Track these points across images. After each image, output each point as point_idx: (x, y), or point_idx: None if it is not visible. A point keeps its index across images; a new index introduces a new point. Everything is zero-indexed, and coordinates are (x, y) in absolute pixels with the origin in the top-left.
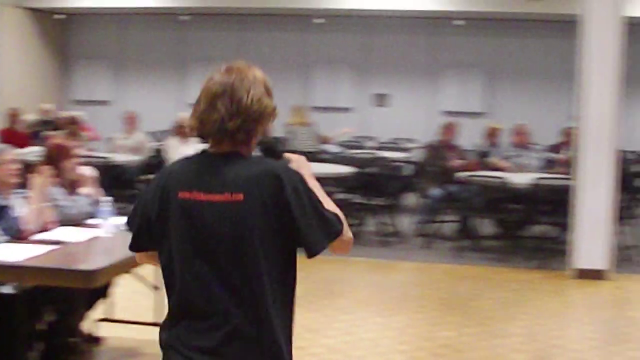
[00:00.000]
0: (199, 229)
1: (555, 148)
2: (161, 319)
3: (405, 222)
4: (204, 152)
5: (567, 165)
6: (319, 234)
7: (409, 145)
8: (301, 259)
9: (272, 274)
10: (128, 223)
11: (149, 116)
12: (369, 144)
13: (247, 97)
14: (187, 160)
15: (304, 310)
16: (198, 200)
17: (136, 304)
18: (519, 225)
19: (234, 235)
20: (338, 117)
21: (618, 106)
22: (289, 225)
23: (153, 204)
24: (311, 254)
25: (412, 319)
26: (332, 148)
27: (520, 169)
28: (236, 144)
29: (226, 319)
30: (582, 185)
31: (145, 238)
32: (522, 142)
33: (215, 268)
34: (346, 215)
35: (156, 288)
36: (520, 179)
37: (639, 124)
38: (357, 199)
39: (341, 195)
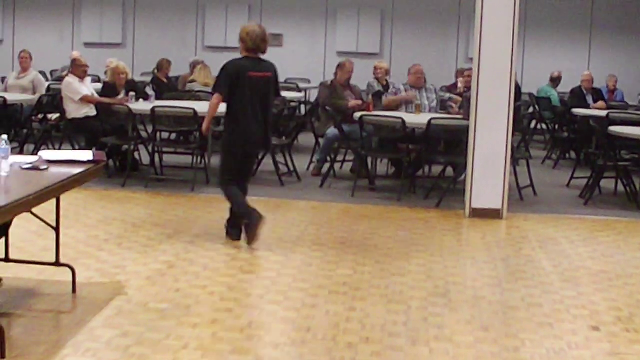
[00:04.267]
0: (256, 88)
1: (450, 89)
2: (61, 259)
3: (302, 162)
4: (248, 56)
5: (463, 106)
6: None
7: (304, 85)
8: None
9: (271, 105)
10: (220, 87)
11: (41, 55)
12: None
13: (266, 38)
14: (242, 59)
15: (202, 249)
16: (256, 76)
17: (33, 244)
18: (416, 165)
19: (267, 91)
20: (233, 57)
21: (515, 48)
22: (275, 87)
23: (233, 77)
24: (279, 95)
25: (310, 257)
26: None
27: (417, 109)
28: (259, 54)
29: (260, 122)
30: (478, 125)
31: (227, 91)
32: (418, 83)
33: (259, 104)
34: None
35: (55, 228)
36: (417, 119)
37: (534, 66)
38: None
39: None
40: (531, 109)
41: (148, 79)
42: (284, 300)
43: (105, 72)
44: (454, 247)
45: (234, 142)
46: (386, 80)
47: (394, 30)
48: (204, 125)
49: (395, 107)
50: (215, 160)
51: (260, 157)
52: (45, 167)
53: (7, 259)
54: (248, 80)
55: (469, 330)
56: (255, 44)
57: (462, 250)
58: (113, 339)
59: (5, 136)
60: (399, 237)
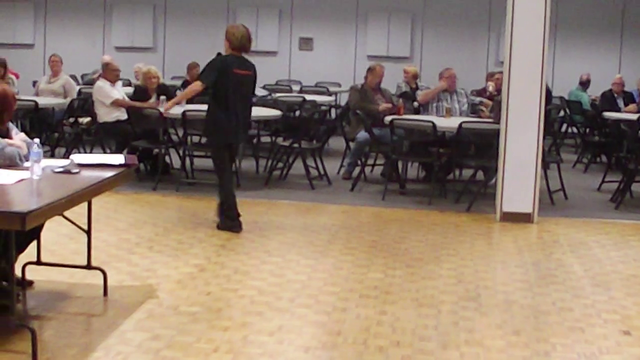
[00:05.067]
0: (239, 84)
1: (481, 92)
2: (92, 262)
3: (332, 166)
4: (233, 54)
5: (494, 109)
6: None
7: (335, 89)
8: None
9: (250, 102)
10: (206, 77)
11: (72, 59)
12: (295, 87)
13: (251, 38)
14: (229, 57)
15: (233, 253)
16: (240, 73)
17: (64, 247)
18: (446, 168)
19: (247, 88)
20: (263, 60)
21: (546, 52)
22: (254, 85)
23: (219, 72)
24: (254, 94)
25: (341, 261)
26: (259, 91)
27: (448, 112)
28: (242, 52)
29: (238, 115)
30: (509, 129)
31: (212, 84)
32: (450, 87)
33: (242, 98)
34: (274, 159)
35: (86, 232)
36: (447, 122)
37: (564, 70)
38: (283, 142)
39: (268, 139)
40: (562, 113)
41: (179, 82)
42: (314, 304)
43: (136, 76)
44: (485, 251)
45: (216, 133)
46: (416, 84)
47: (424, 34)
48: (170, 103)
49: (431, 98)
50: (246, 164)
51: (290, 160)
52: (76, 170)
53: (38, 262)
54: (232, 76)
55: (500, 334)
56: (241, 43)
57: (493, 254)
58: (144, 342)
59: (37, 140)
60: (430, 241)
